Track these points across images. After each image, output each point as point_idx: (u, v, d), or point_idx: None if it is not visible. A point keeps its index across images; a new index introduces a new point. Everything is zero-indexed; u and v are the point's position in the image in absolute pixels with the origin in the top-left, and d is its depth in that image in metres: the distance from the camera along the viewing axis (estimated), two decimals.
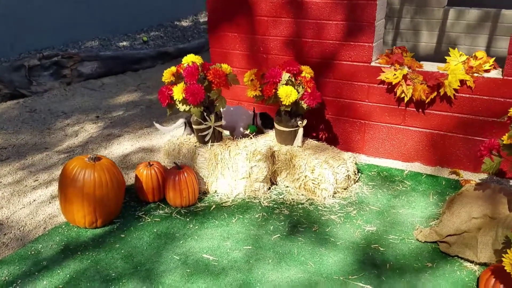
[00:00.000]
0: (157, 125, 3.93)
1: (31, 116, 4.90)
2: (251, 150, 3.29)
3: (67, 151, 4.08)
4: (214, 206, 3.21)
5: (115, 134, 4.42)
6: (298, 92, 3.31)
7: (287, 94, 3.21)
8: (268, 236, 2.88)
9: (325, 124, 3.96)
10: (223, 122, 3.45)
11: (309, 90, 3.33)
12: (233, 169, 3.28)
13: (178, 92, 3.18)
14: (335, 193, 3.29)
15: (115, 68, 6.29)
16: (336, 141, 3.96)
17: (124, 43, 8.19)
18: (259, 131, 3.81)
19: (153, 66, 6.62)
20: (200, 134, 3.36)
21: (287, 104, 3.23)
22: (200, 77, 3.24)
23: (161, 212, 3.16)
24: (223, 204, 3.23)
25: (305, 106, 3.33)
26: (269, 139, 3.55)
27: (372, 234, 2.90)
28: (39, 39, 7.40)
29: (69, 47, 7.78)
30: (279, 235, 2.89)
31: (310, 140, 3.61)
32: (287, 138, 3.44)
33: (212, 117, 3.30)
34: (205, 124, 3.31)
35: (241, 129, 3.75)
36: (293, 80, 3.35)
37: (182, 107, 3.24)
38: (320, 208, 3.17)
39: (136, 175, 3.23)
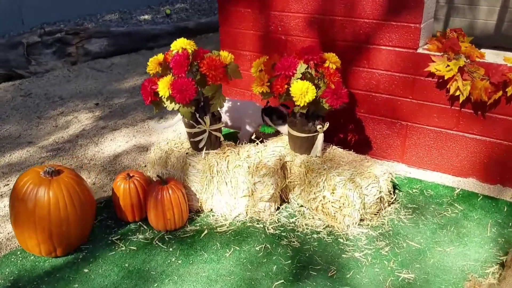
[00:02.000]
0: (153, 124, 3.32)
1: (24, 101, 4.36)
2: (255, 161, 2.59)
3: (52, 148, 3.52)
4: (206, 232, 2.55)
5: (110, 127, 3.81)
6: (319, 88, 2.56)
7: (302, 92, 2.46)
8: (268, 281, 2.20)
9: (355, 125, 3.19)
10: (222, 125, 2.75)
11: (332, 86, 2.57)
12: (232, 185, 2.60)
13: (163, 87, 2.50)
14: (362, 219, 2.56)
15: (127, 45, 5.66)
16: (369, 146, 3.19)
17: (146, 17, 7.56)
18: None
19: (170, 44, 5.94)
20: (192, 139, 2.69)
21: (301, 104, 2.49)
22: (192, 69, 2.54)
23: (140, 237, 2.54)
24: (218, 229, 2.57)
25: (326, 106, 2.59)
26: (281, 144, 2.83)
27: (409, 285, 2.17)
28: (53, 12, 6.86)
29: (86, 21, 7.22)
30: (282, 280, 2.21)
31: (334, 147, 2.86)
32: (303, 146, 2.72)
33: (207, 119, 2.61)
34: (199, 128, 2.62)
35: (248, 127, 3.03)
36: (312, 72, 2.59)
37: (170, 106, 2.57)
38: (342, 240, 2.46)
39: (112, 189, 2.61)
